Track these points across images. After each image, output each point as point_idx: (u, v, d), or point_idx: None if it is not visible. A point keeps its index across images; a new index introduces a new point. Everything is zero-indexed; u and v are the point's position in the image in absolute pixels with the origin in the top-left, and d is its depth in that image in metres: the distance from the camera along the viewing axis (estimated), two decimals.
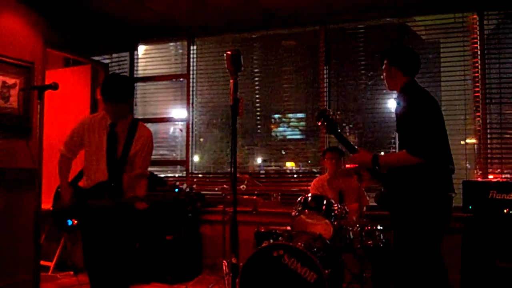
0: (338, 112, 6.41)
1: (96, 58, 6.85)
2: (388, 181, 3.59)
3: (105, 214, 3.68)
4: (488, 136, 5.75)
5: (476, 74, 5.83)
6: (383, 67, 3.80)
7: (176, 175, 7.19)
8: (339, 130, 3.87)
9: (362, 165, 3.73)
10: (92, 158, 3.78)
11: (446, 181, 3.50)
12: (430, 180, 3.41)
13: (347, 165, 5.44)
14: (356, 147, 3.79)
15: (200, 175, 7.12)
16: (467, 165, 5.87)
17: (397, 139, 3.93)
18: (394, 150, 6.22)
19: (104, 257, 3.75)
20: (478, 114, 5.81)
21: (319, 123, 3.87)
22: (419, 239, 3.45)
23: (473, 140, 5.90)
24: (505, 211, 4.56)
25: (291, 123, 7.01)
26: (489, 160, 5.73)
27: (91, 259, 3.79)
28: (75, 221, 3.73)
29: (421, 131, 3.36)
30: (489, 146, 5.75)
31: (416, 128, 3.38)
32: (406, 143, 3.44)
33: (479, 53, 5.81)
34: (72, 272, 6.15)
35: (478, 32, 5.84)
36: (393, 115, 6.29)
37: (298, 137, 6.98)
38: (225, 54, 2.91)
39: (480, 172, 5.73)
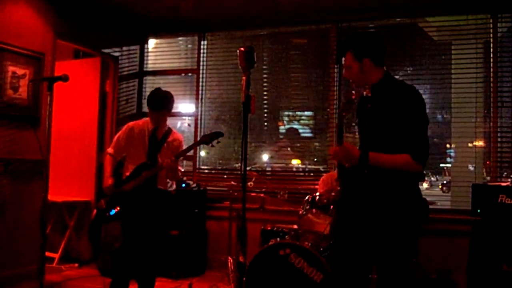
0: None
1: (106, 50, 6.83)
2: (368, 183, 2.99)
3: (139, 196, 4.41)
4: (499, 139, 5.71)
5: (488, 77, 5.78)
6: (345, 62, 3.15)
7: (183, 170, 7.17)
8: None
9: (345, 160, 3.01)
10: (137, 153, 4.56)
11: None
12: (415, 182, 3.03)
13: None
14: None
15: (206, 171, 7.11)
16: (476, 168, 5.84)
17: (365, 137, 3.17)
18: None
19: (142, 242, 4.46)
20: (488, 117, 5.76)
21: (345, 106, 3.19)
22: (409, 245, 2.97)
23: (482, 143, 5.86)
24: None
25: (299, 121, 6.98)
26: (499, 164, 5.69)
27: (130, 244, 4.48)
28: (118, 208, 4.45)
29: (425, 136, 2.96)
30: (499, 149, 5.70)
31: (421, 132, 2.95)
32: (400, 146, 2.90)
33: (491, 55, 5.76)
34: (76, 264, 6.17)
35: (491, 34, 5.79)
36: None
37: (305, 135, 6.95)
38: (238, 51, 2.89)
39: (490, 175, 5.69)
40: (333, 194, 4.73)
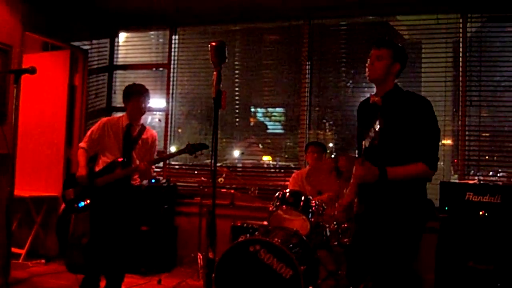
0: (317, 108, 6.42)
1: (76, 43, 6.71)
2: (382, 194, 3.14)
3: (112, 192, 4.45)
4: (467, 138, 5.79)
5: (457, 76, 5.86)
6: (377, 53, 3.26)
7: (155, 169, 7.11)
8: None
9: (367, 178, 3.07)
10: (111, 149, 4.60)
11: None
12: (424, 186, 3.21)
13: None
14: (358, 157, 3.30)
15: (177, 166, 7.06)
16: (444, 166, 5.92)
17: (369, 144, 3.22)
18: None
19: (110, 237, 4.49)
20: (457, 115, 5.84)
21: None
22: (415, 247, 3.18)
23: (450, 141, 5.94)
24: (480, 213, 4.59)
25: (271, 117, 6.98)
26: (466, 162, 5.78)
27: (97, 239, 4.52)
28: (88, 201, 4.48)
29: (437, 144, 3.13)
30: (466, 148, 5.79)
31: (435, 140, 3.11)
32: (412, 154, 3.02)
33: (460, 55, 5.85)
34: (43, 260, 6.06)
35: (460, 34, 5.87)
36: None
37: (277, 131, 6.96)
38: (209, 45, 2.85)
39: (458, 173, 5.77)
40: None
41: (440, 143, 5.79)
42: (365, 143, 3.25)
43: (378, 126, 3.05)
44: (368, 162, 3.04)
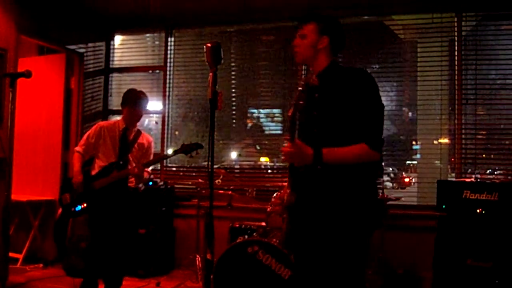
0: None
1: (71, 47, 6.70)
2: (321, 180, 2.70)
3: (109, 195, 4.46)
4: (463, 136, 5.80)
5: (453, 75, 5.87)
6: (302, 30, 2.90)
7: (150, 168, 7.10)
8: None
9: (298, 158, 2.66)
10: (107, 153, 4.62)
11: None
12: (374, 180, 2.80)
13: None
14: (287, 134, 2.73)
15: (174, 169, 7.06)
16: (441, 164, 5.93)
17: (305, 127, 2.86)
18: None
19: (109, 240, 4.50)
20: (453, 114, 5.85)
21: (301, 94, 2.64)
22: (359, 249, 2.69)
23: (447, 140, 5.95)
24: (478, 211, 4.59)
25: (267, 118, 6.98)
26: (463, 160, 5.79)
27: (96, 242, 4.53)
28: (84, 205, 4.50)
29: (380, 122, 2.70)
30: (463, 146, 5.80)
31: (376, 118, 2.68)
32: (353, 136, 2.62)
33: (456, 53, 5.86)
34: (41, 265, 6.04)
35: (456, 32, 5.88)
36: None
37: (274, 132, 6.96)
38: (204, 47, 2.85)
39: (455, 172, 5.78)
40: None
41: (437, 142, 5.94)
42: (309, 130, 2.84)
43: (316, 109, 2.76)
44: (299, 140, 2.65)
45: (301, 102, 2.61)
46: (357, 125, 2.63)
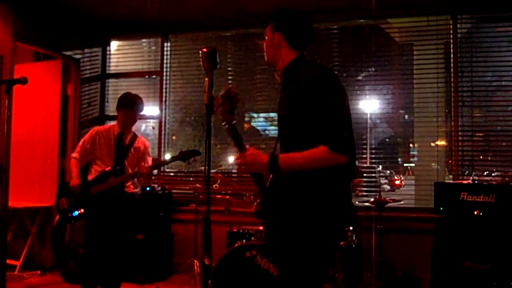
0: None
1: (67, 53, 6.70)
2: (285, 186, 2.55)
3: (106, 200, 4.44)
4: (460, 138, 5.81)
5: (449, 77, 5.88)
6: (266, 35, 2.90)
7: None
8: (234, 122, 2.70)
9: (253, 168, 2.57)
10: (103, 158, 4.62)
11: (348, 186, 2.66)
12: (339, 185, 2.54)
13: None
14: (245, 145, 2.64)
15: (171, 174, 7.05)
16: (438, 166, 5.94)
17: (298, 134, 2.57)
18: (365, 151, 6.27)
19: (106, 246, 4.50)
20: (450, 116, 5.86)
21: (221, 106, 2.65)
22: (315, 262, 2.51)
23: (444, 142, 5.96)
24: (475, 212, 4.60)
25: (264, 122, 6.98)
26: (460, 162, 5.80)
27: (93, 248, 4.52)
28: (81, 210, 4.47)
29: (339, 120, 2.43)
30: (460, 148, 5.81)
31: (332, 115, 2.42)
32: (312, 137, 2.42)
33: (451, 56, 5.87)
34: (39, 272, 6.03)
35: (451, 35, 5.90)
36: (365, 115, 6.43)
37: (271, 136, 6.95)
38: (200, 51, 2.84)
39: (452, 174, 5.79)
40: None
41: (433, 144, 5.95)
42: (279, 131, 2.73)
43: (282, 110, 2.63)
44: (252, 148, 2.57)
45: (220, 108, 2.59)
46: (315, 126, 2.44)
